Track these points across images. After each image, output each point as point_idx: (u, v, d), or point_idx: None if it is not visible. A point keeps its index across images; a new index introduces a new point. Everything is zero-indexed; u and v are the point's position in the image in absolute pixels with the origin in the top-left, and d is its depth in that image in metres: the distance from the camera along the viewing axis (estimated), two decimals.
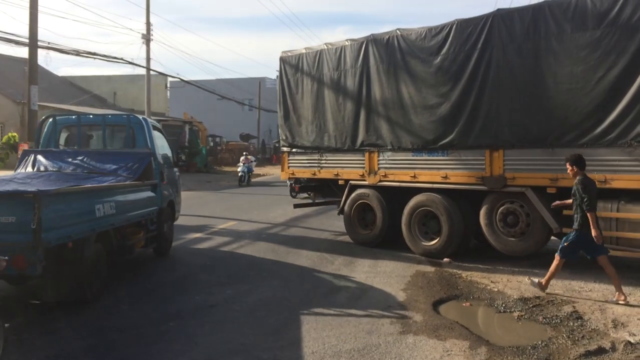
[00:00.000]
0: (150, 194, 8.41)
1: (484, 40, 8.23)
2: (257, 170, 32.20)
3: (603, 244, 6.61)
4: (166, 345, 5.24)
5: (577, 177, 6.67)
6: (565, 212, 7.65)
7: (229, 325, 5.82)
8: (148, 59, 27.33)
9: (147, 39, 27.30)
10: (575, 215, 6.65)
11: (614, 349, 5.08)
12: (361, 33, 13.22)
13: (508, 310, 6.36)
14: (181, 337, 5.45)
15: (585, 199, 6.43)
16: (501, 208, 8.36)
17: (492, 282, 7.56)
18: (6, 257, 5.24)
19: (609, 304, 6.42)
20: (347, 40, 10.26)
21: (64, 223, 5.85)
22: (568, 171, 6.80)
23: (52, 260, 5.67)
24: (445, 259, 8.82)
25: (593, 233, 6.41)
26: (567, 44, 7.43)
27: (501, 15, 8.10)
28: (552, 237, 8.28)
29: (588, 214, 6.43)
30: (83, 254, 6.20)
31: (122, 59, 30.42)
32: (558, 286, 7.16)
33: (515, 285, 7.38)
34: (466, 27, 8.45)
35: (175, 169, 10.48)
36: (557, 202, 7.23)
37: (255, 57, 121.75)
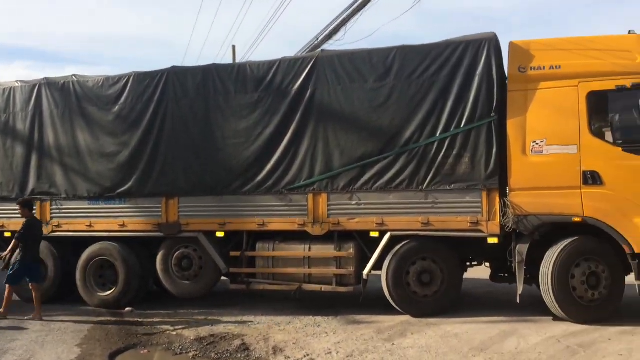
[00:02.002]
0: None
1: (160, 94, 8.71)
2: None
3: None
4: None
5: (26, 217, 8.52)
6: (232, 253, 8.46)
7: None
8: None
9: None
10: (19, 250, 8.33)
11: None
12: (41, 70, 12.46)
13: (184, 352, 6.59)
14: None
15: (21, 231, 8.34)
16: (177, 253, 8.75)
17: (172, 326, 7.75)
18: None
19: (272, 333, 7.17)
20: (17, 81, 9.66)
21: None
22: (20, 213, 8.62)
23: None
24: (127, 309, 8.74)
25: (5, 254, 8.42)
26: (231, 103, 8.41)
27: (175, 72, 8.74)
28: (223, 278, 8.96)
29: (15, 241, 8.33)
30: None
31: None
32: (232, 322, 7.76)
33: (193, 326, 7.69)
34: (143, 80, 8.84)
35: None
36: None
37: None
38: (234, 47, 21.63)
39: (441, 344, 6.46)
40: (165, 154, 8.70)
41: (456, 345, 6.39)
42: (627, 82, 6.89)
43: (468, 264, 8.41)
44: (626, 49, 7.08)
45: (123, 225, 8.90)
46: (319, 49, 8.34)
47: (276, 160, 8.19)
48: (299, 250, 8.19)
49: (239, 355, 6.32)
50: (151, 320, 8.16)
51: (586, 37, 7.39)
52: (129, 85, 8.88)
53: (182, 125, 8.65)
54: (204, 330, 7.43)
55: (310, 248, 8.14)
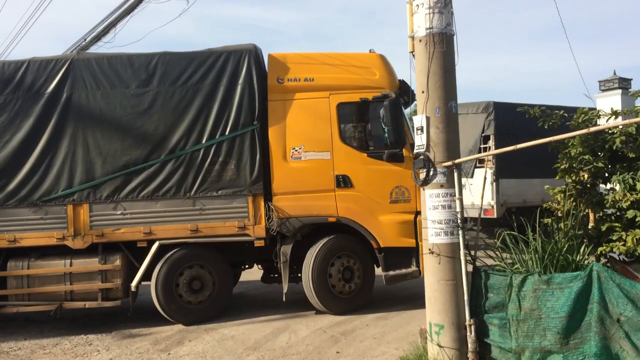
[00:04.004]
0: None
1: None
2: None
3: None
4: None
5: None
6: None
7: None
8: None
9: None
10: None
11: None
12: None
13: None
14: None
15: None
16: None
17: None
18: None
19: (35, 358, 6.55)
20: None
21: None
22: None
23: None
24: None
25: None
26: None
27: None
28: None
29: None
30: None
31: None
32: None
33: None
34: None
35: None
36: None
37: None
38: None
39: (217, 348, 6.61)
40: None
41: (232, 347, 6.61)
42: (369, 95, 7.74)
43: (243, 267, 8.66)
44: (367, 65, 7.94)
45: None
46: (73, 51, 7.75)
47: (29, 169, 7.49)
48: (58, 266, 7.57)
49: None
50: None
51: (336, 53, 8.11)
52: None
53: None
54: None
55: (71, 263, 7.58)
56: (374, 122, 7.84)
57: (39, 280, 7.59)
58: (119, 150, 7.56)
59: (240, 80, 7.64)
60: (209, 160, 7.60)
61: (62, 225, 7.54)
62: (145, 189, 7.56)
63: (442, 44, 5.17)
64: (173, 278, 7.59)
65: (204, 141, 7.61)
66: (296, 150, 7.72)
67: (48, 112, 7.53)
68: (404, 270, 7.82)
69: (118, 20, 12.32)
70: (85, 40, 13.22)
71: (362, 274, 7.88)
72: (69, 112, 7.56)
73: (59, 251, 7.62)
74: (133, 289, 7.64)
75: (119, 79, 7.61)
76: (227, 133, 7.61)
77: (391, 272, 7.78)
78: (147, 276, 7.65)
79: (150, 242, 7.61)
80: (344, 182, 7.73)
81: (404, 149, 7.73)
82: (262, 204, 7.66)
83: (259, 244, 7.71)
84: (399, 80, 8.05)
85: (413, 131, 8.29)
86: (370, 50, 8.05)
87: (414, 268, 7.78)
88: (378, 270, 8.00)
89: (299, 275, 7.95)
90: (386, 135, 7.60)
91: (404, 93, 7.95)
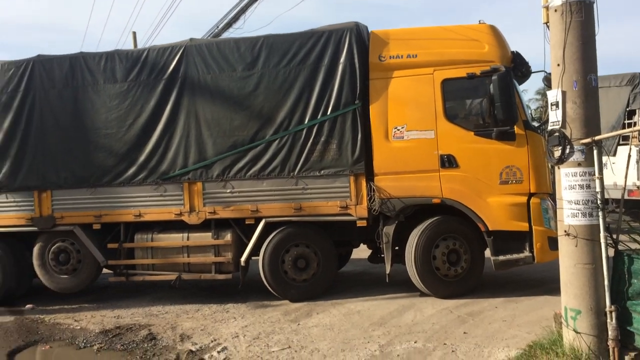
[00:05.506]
0: None
1: (27, 84, 8.36)
2: None
3: None
4: None
5: None
6: (109, 245, 8.35)
7: None
8: None
9: None
10: None
11: (178, 359, 5.82)
12: None
13: (89, 345, 6.61)
14: None
15: None
16: (53, 247, 8.53)
17: (75, 320, 7.65)
18: None
19: (180, 321, 7.22)
20: None
21: None
22: None
23: None
24: (28, 306, 8.49)
25: None
26: (101, 93, 8.20)
27: (41, 61, 8.39)
28: (106, 271, 8.84)
29: None
30: None
31: None
32: (139, 314, 7.74)
33: (99, 319, 7.63)
34: (8, 69, 8.44)
35: None
36: None
37: None
38: (134, 33, 21.06)
39: (344, 321, 6.78)
40: (34, 147, 8.39)
41: (358, 321, 6.74)
42: (477, 70, 7.27)
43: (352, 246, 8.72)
44: (476, 38, 7.44)
45: None
46: (188, 38, 8.17)
47: (149, 151, 8.10)
48: (177, 239, 8.18)
49: (146, 345, 6.39)
50: (54, 316, 7.98)
51: (441, 27, 7.71)
52: None
53: (52, 117, 8.36)
54: (110, 323, 7.40)
55: (188, 237, 8.15)
56: (483, 98, 7.38)
57: (161, 252, 8.25)
58: (228, 131, 7.88)
59: (342, 60, 7.56)
60: (311, 140, 7.67)
61: (179, 202, 8.09)
62: (252, 168, 7.83)
63: (580, 13, 4.76)
64: (279, 255, 7.83)
65: (306, 121, 7.69)
66: (398, 130, 7.51)
67: (165, 97, 8.05)
68: (515, 256, 7.34)
69: (247, 7, 12.85)
70: (217, 27, 13.97)
71: (470, 257, 7.53)
72: (183, 96, 8.02)
73: (178, 226, 8.20)
74: (242, 263, 8.01)
75: (226, 62, 7.90)
76: (328, 113, 7.61)
77: (501, 257, 7.35)
78: (255, 252, 7.98)
79: (258, 220, 7.91)
80: (448, 162, 7.39)
81: (515, 127, 7.20)
82: (364, 184, 7.59)
83: (361, 224, 7.67)
84: (512, 52, 7.47)
85: (525, 107, 7.76)
86: (479, 21, 7.55)
87: (526, 254, 7.26)
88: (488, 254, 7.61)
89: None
90: (495, 112, 7.13)
91: (518, 67, 7.39)
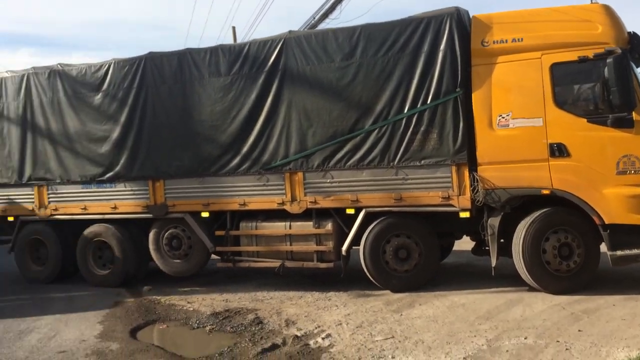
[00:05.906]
0: None
1: (140, 80, 8.88)
2: None
3: None
4: None
5: None
6: (217, 233, 8.75)
7: None
8: None
9: None
10: None
11: (284, 343, 6.06)
12: (47, 57, 12.68)
13: (201, 326, 7.00)
14: None
15: None
16: (166, 233, 9.08)
17: (188, 302, 8.14)
18: None
19: (284, 307, 7.51)
20: (7, 71, 9.96)
21: None
22: None
23: None
24: (146, 287, 9.16)
25: None
26: (206, 86, 8.53)
27: (152, 58, 8.86)
28: (214, 256, 9.28)
29: None
30: None
31: None
32: (246, 298, 8.12)
33: (209, 302, 8.06)
34: (123, 67, 9.00)
35: None
36: None
37: None
38: (234, 27, 21.74)
39: (448, 313, 6.68)
40: (148, 139, 8.92)
41: (463, 314, 6.62)
42: (590, 53, 6.73)
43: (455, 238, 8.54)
44: (588, 18, 6.88)
45: (115, 207, 9.25)
46: (287, 30, 8.24)
47: (252, 142, 8.33)
48: (280, 228, 8.40)
49: (253, 328, 6.67)
50: (168, 297, 8.54)
51: (548, 8, 7.17)
52: (110, 72, 9.06)
53: (163, 110, 8.83)
54: (219, 306, 7.81)
55: (290, 226, 8.34)
56: (596, 82, 6.84)
57: (265, 240, 8.52)
58: (327, 121, 7.91)
59: (442, 47, 7.30)
60: (411, 129, 7.51)
61: (281, 191, 8.28)
62: (351, 158, 7.82)
63: None
64: (380, 245, 7.81)
65: (405, 110, 7.53)
66: (503, 117, 7.16)
67: (266, 89, 8.22)
68: (635, 251, 6.80)
69: None
70: (314, 18, 13.99)
71: (584, 251, 7.08)
72: (284, 87, 8.15)
73: (280, 215, 8.41)
74: (344, 253, 8.07)
75: (325, 53, 7.90)
76: (429, 101, 7.40)
77: (619, 252, 6.83)
78: (356, 242, 8.01)
79: (358, 210, 7.91)
80: (559, 150, 6.94)
81: (633, 113, 6.61)
82: (467, 174, 7.34)
83: (464, 215, 7.44)
84: (629, 33, 6.84)
85: None
86: (591, 0, 6.94)
87: None
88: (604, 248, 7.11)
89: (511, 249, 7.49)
90: (611, 97, 6.58)
91: (636, 48, 6.77)
